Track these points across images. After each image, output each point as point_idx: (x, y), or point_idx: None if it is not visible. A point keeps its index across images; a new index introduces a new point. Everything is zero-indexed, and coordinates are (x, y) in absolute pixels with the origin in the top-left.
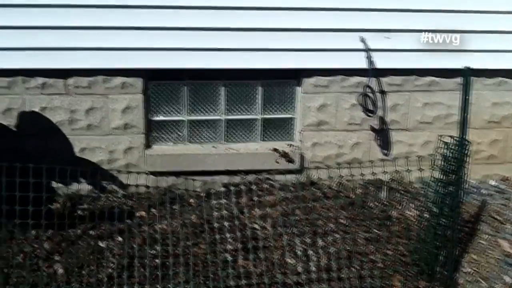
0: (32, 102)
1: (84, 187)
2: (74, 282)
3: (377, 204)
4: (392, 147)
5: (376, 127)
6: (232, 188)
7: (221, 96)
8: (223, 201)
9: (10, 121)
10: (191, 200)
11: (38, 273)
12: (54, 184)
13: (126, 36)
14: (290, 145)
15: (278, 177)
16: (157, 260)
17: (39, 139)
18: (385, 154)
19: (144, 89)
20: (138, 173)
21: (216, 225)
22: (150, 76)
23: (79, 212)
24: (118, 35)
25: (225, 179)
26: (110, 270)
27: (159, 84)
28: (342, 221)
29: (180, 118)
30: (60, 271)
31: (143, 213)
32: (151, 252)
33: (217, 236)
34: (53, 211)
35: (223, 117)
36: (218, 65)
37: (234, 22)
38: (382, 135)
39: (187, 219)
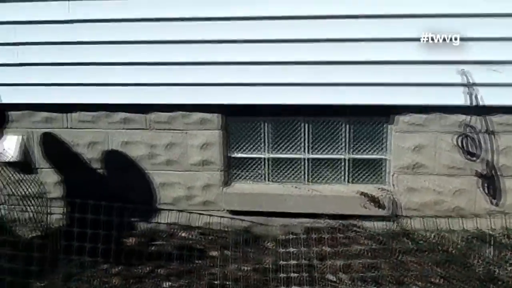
0: (114, 136)
1: (163, 221)
2: None
3: (481, 262)
4: (503, 196)
5: (482, 172)
6: (313, 235)
7: (303, 133)
8: (303, 248)
9: (94, 155)
10: (268, 244)
11: None
12: (133, 219)
13: (204, 71)
14: (381, 188)
15: (366, 224)
16: None
17: (120, 172)
18: (494, 204)
19: (223, 125)
20: (210, 215)
21: (291, 274)
22: (229, 112)
23: (152, 248)
24: (197, 70)
25: (306, 222)
26: None
27: (239, 120)
28: (434, 280)
29: (260, 155)
30: None
31: (215, 253)
32: None
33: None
34: (125, 247)
35: (306, 155)
36: (299, 100)
37: (314, 55)
38: (490, 182)
39: (260, 263)
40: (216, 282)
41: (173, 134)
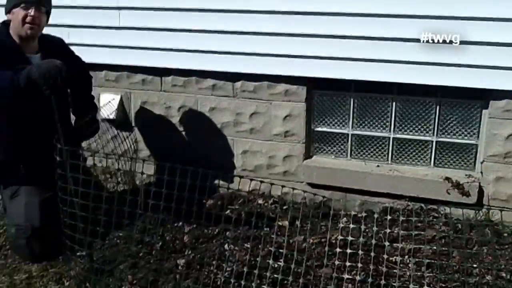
0: (203, 102)
1: (242, 187)
2: (191, 278)
3: None
4: None
5: None
6: (389, 215)
7: (390, 111)
8: (375, 228)
9: (183, 119)
10: (342, 219)
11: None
12: (215, 182)
13: (292, 42)
14: (468, 175)
15: (447, 210)
16: (276, 275)
17: (207, 137)
18: None
19: (307, 98)
20: (287, 187)
21: (358, 251)
22: (315, 85)
23: (227, 212)
24: (284, 41)
25: (385, 202)
26: (226, 274)
27: (324, 94)
28: (506, 276)
29: (344, 131)
30: (181, 263)
31: (286, 223)
32: (274, 265)
33: (348, 263)
34: (203, 210)
35: (392, 135)
36: (389, 78)
37: (409, 32)
38: None
39: (326, 238)
40: (281, 250)
41: (258, 104)
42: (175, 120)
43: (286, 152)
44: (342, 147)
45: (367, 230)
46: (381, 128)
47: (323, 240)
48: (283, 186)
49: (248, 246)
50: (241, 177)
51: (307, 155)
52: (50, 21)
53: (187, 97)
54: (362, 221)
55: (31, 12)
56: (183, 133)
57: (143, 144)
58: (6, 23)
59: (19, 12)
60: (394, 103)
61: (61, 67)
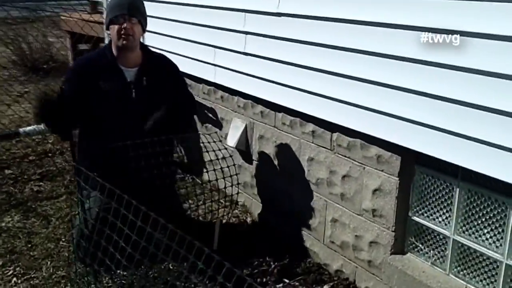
0: (305, 149)
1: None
2: None
3: None
4: None
5: None
6: None
7: (507, 223)
8: None
9: (286, 163)
10: None
11: None
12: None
13: (394, 98)
14: None
15: None
16: None
17: (303, 189)
18: None
19: (402, 172)
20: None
21: None
22: (415, 158)
23: None
24: (381, 94)
25: None
26: None
27: (427, 173)
28: None
29: (445, 231)
30: None
31: None
32: None
33: None
34: None
35: (504, 259)
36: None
37: None
38: None
39: None
40: None
41: (352, 165)
42: (280, 162)
43: (373, 236)
44: (441, 252)
45: None
46: (494, 245)
47: None
48: None
49: None
50: None
51: (398, 249)
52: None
53: (292, 140)
54: None
55: (124, 24)
56: (285, 179)
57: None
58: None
59: (114, 27)
60: None
61: None
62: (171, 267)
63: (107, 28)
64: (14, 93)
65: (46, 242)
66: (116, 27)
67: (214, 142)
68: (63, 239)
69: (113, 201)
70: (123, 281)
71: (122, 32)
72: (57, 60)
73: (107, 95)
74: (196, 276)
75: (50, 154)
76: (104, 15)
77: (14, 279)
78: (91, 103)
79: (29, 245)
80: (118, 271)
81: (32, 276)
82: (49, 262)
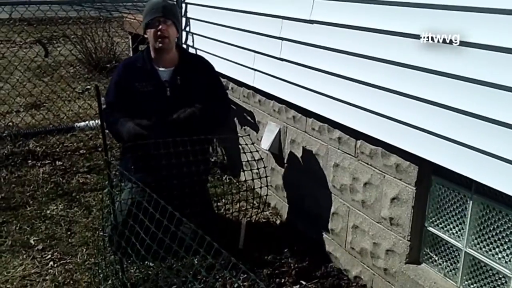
0: (332, 155)
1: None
2: None
3: None
4: None
5: None
6: None
7: None
8: None
9: (315, 169)
10: None
11: None
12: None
13: (410, 109)
14: None
15: None
16: None
17: (329, 195)
18: None
19: (419, 182)
20: None
21: None
22: (432, 168)
23: None
24: (406, 105)
25: None
26: None
27: (443, 184)
28: None
29: (457, 244)
30: None
31: None
32: None
33: None
34: None
35: None
36: None
37: None
38: None
39: None
40: None
41: (373, 173)
42: (308, 166)
43: (389, 244)
44: (453, 264)
45: None
46: (503, 260)
47: None
48: None
49: None
50: None
51: (413, 259)
52: None
53: (321, 145)
54: None
55: (160, 27)
56: (312, 184)
57: (281, 179)
58: None
59: (150, 31)
60: None
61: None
62: (195, 262)
63: (144, 32)
64: (76, 90)
65: (84, 231)
66: (152, 30)
67: (253, 144)
68: (100, 229)
69: (145, 195)
70: (149, 272)
71: (158, 34)
72: (120, 60)
73: (143, 95)
74: (214, 274)
75: (100, 149)
76: None
77: (51, 262)
78: (131, 103)
79: (69, 233)
80: (146, 262)
81: (68, 261)
82: (84, 249)
